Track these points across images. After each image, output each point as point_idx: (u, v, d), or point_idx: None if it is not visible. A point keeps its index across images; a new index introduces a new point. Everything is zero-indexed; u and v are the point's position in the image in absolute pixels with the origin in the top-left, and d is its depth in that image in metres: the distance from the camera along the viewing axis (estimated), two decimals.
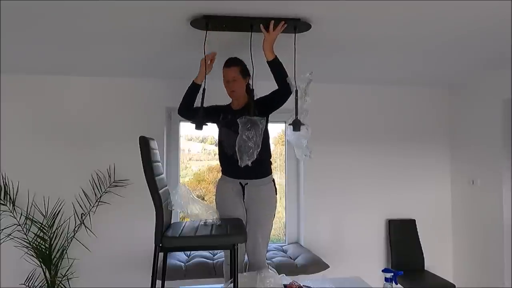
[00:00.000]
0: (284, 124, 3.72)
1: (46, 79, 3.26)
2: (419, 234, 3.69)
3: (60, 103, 3.30)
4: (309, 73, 2.04)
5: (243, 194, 2.38)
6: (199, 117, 2.10)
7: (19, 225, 3.10)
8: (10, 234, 3.08)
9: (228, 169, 2.40)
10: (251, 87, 2.19)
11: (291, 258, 3.30)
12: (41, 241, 3.06)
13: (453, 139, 3.82)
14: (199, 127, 2.09)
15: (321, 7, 1.89)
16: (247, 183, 2.36)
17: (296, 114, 2.01)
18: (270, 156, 2.45)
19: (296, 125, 2.01)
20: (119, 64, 2.98)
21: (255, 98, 2.22)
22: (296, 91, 2.02)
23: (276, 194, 2.45)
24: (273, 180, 2.46)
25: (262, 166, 2.37)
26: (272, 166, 2.49)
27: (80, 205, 3.20)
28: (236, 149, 2.09)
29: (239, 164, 2.10)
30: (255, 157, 2.07)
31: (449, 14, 1.99)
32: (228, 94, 2.36)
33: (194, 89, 2.33)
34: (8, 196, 3.11)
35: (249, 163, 2.07)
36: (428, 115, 3.83)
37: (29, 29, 2.17)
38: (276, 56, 2.11)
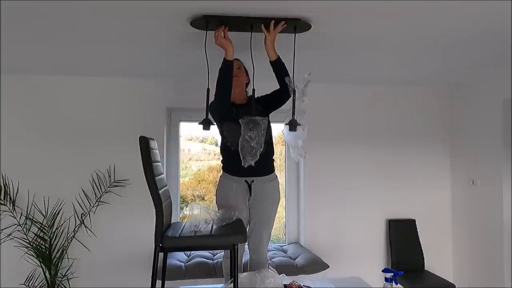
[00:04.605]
0: (283, 124, 3.71)
1: (46, 79, 3.26)
2: (419, 234, 3.69)
3: (60, 103, 3.31)
4: (307, 74, 2.04)
5: (250, 193, 2.36)
6: (206, 117, 2.09)
7: (19, 225, 3.10)
8: (10, 234, 3.08)
9: (233, 167, 2.34)
10: (252, 87, 2.19)
11: (291, 258, 3.30)
12: (41, 241, 3.06)
13: (453, 139, 3.82)
14: (207, 127, 2.09)
15: (321, 7, 1.89)
16: (253, 181, 2.35)
17: (293, 114, 2.02)
18: (273, 153, 2.46)
19: (293, 125, 2.02)
20: (119, 64, 2.98)
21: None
22: (294, 91, 2.02)
23: (279, 190, 2.48)
24: (276, 177, 2.48)
25: (268, 163, 2.40)
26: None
27: (80, 205, 3.21)
28: (239, 149, 2.09)
29: (242, 164, 2.09)
30: (258, 157, 2.06)
31: (449, 14, 1.99)
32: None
33: (230, 67, 2.12)
34: (8, 196, 3.11)
35: (252, 163, 2.06)
36: (428, 115, 3.83)
37: (29, 29, 2.17)
38: (279, 56, 2.13)
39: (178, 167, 3.62)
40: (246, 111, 2.19)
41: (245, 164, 2.06)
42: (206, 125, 2.08)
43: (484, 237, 3.41)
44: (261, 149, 2.06)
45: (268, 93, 2.40)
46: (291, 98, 2.04)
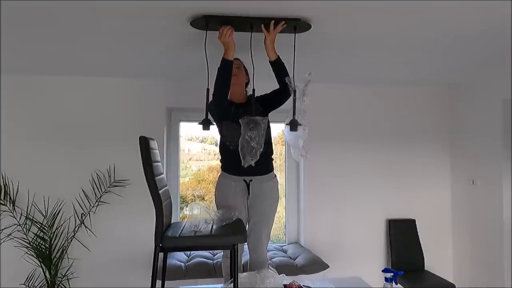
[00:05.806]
0: (283, 124, 3.72)
1: (46, 79, 3.26)
2: (419, 234, 3.69)
3: (60, 103, 3.30)
4: (308, 73, 2.04)
5: (248, 192, 2.36)
6: (206, 117, 2.09)
7: (19, 225, 3.10)
8: (10, 234, 3.08)
9: (232, 166, 2.34)
10: (253, 87, 2.19)
11: (291, 258, 3.30)
12: (41, 241, 3.06)
13: (453, 139, 3.82)
14: (206, 127, 2.08)
15: (321, 7, 1.89)
16: (251, 180, 2.35)
17: (294, 114, 2.02)
18: (273, 152, 2.46)
19: (293, 125, 2.02)
20: (119, 64, 2.98)
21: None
22: (295, 91, 2.02)
23: (278, 189, 2.48)
24: (275, 176, 2.48)
25: (266, 163, 2.40)
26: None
27: (80, 205, 3.20)
28: (239, 149, 2.09)
29: (242, 164, 2.09)
30: (258, 157, 2.06)
31: (449, 14, 2.00)
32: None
33: (229, 67, 2.11)
34: (8, 196, 3.11)
35: (252, 163, 2.06)
36: (429, 115, 3.83)
37: (29, 29, 2.17)
38: (278, 56, 2.13)
39: (178, 167, 3.62)
40: (245, 110, 2.19)
41: (245, 164, 2.07)
42: (205, 125, 2.08)
43: (484, 237, 3.41)
44: (261, 149, 2.07)
45: (268, 92, 2.40)
46: (291, 98, 2.04)
